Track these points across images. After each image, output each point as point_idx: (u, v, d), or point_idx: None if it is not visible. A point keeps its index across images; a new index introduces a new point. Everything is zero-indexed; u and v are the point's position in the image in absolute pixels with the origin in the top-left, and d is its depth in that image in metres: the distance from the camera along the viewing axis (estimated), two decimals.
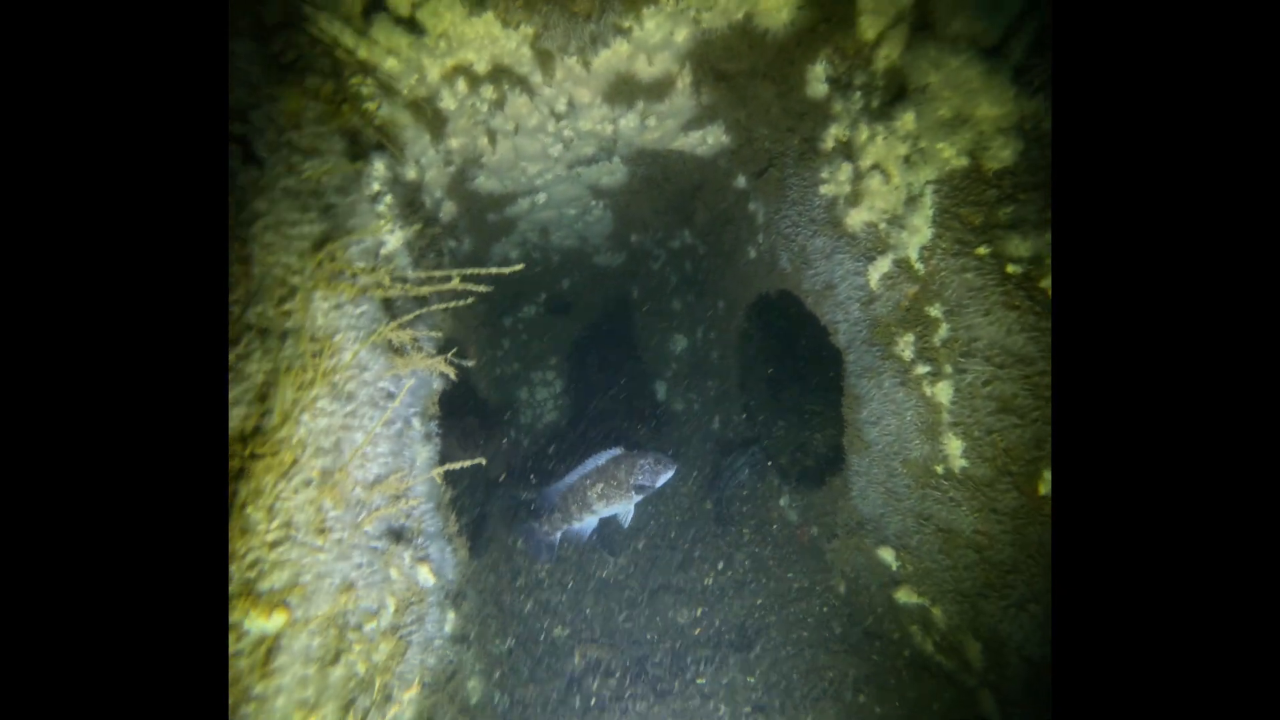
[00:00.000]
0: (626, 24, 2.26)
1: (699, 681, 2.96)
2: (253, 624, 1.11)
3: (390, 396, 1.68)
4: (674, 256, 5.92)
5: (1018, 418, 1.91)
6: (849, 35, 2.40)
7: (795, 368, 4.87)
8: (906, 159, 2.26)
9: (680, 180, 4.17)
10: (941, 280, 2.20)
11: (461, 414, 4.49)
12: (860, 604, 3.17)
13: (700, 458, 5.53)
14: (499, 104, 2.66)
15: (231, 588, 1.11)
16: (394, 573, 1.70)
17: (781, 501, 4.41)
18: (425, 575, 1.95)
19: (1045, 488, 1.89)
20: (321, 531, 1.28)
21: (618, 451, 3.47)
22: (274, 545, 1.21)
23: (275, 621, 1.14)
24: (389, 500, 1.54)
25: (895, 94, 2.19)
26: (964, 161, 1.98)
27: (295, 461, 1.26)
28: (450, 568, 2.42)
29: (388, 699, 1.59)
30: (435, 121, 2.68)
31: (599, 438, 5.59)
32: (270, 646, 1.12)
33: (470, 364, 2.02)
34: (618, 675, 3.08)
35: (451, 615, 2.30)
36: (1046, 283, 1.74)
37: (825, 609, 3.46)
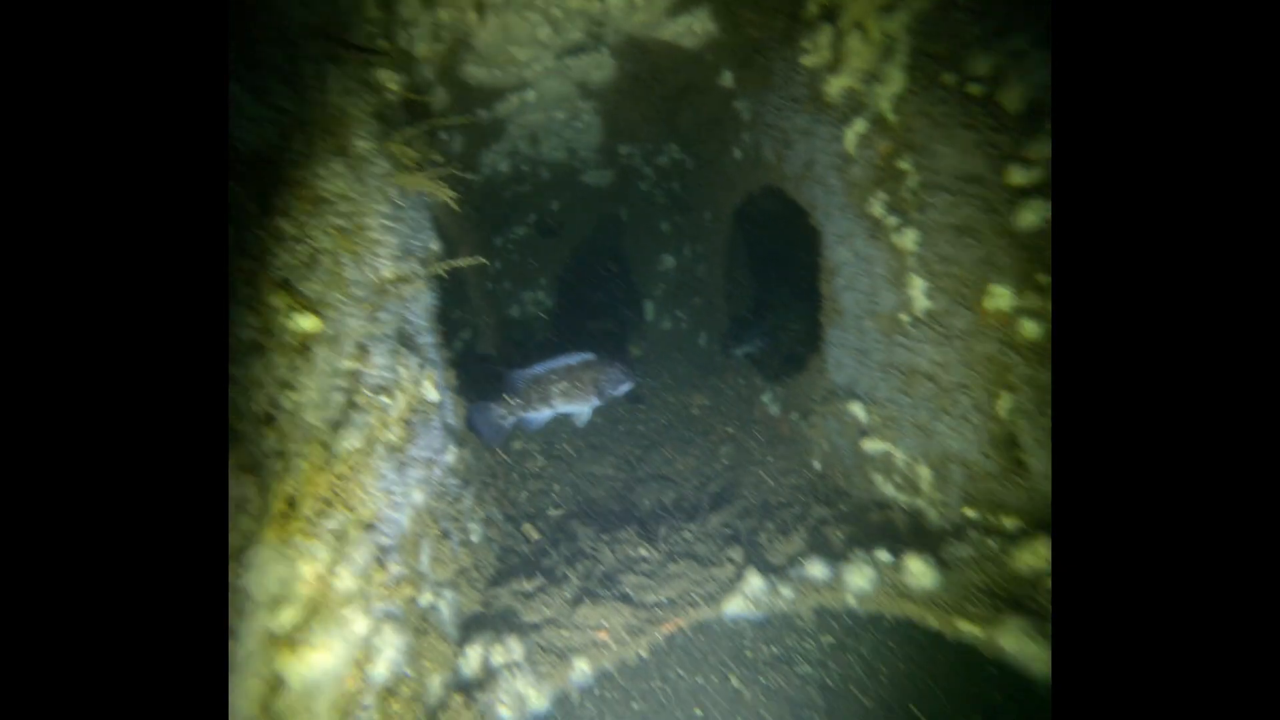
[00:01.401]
0: None
1: (684, 534, 3.23)
2: (289, 316, 1.27)
3: (398, 207, 1.81)
4: (662, 175, 5.99)
5: (972, 238, 2.09)
6: None
7: (779, 267, 5.04)
8: (885, 7, 2.36)
9: (668, 80, 4.21)
10: (911, 125, 2.34)
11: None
12: (835, 470, 3.43)
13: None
14: None
15: (273, 279, 1.26)
16: (402, 371, 1.87)
17: (764, 398, 4.65)
18: (429, 388, 2.12)
19: (991, 303, 2.09)
20: (340, 282, 1.43)
21: (590, 356, 3.58)
22: (306, 264, 1.36)
23: (311, 322, 1.30)
24: (399, 286, 1.69)
25: None
26: None
27: (319, 200, 1.39)
28: (450, 411, 2.61)
29: (403, 465, 1.78)
30: None
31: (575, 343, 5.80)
32: (306, 342, 1.28)
33: (474, 177, 2.14)
34: (608, 532, 3.34)
35: (454, 448, 2.49)
36: (1004, 98, 1.89)
37: (802, 481, 3.73)
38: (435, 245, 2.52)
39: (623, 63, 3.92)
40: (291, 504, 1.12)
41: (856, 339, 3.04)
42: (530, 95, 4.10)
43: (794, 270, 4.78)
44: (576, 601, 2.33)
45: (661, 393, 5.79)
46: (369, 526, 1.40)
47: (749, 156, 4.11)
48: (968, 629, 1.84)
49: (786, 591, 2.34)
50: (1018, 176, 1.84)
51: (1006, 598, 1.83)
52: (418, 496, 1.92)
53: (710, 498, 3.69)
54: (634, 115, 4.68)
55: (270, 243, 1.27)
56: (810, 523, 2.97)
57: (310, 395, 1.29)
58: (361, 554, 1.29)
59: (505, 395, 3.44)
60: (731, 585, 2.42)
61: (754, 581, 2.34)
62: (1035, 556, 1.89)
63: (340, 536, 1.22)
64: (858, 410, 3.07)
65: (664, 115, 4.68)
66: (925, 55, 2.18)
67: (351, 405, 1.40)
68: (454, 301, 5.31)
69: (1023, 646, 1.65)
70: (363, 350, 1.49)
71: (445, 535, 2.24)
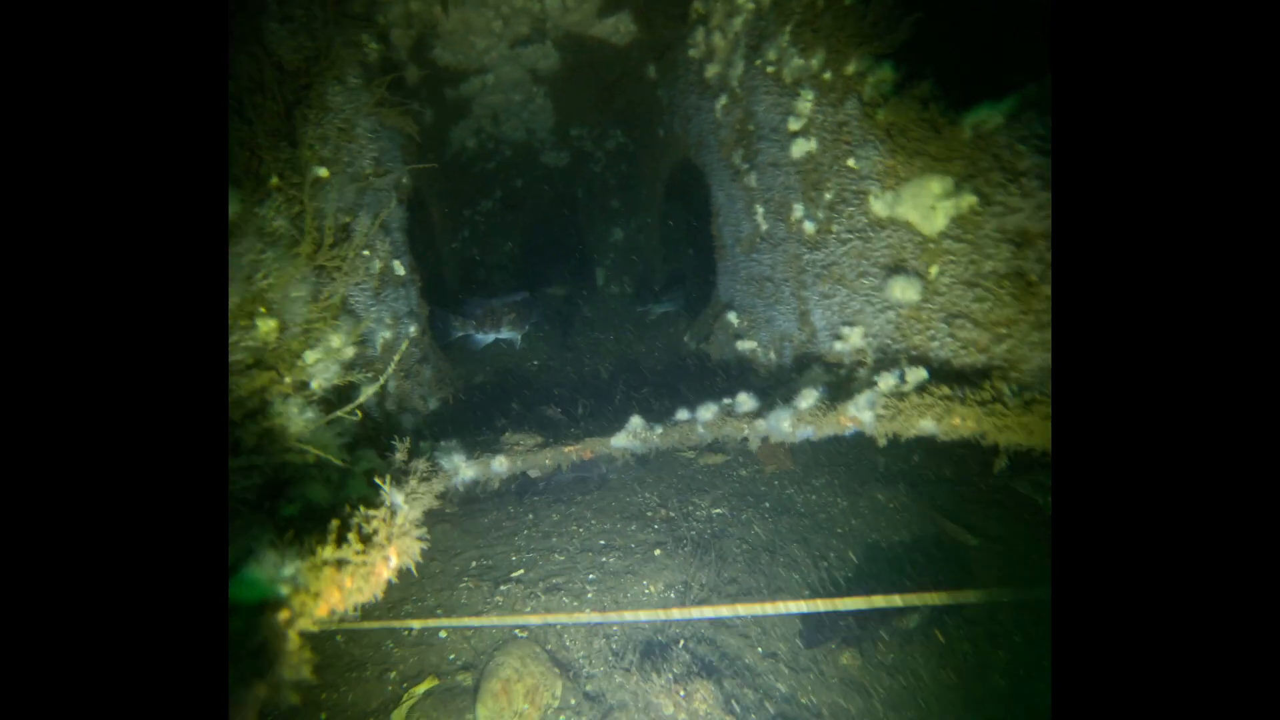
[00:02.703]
0: None
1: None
2: (314, 164, 2.10)
3: (378, 131, 2.68)
4: (612, 158, 6.92)
5: (778, 170, 3.04)
6: None
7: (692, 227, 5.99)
8: (729, 14, 3.32)
9: (604, 72, 5.13)
10: (747, 97, 3.30)
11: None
12: (729, 371, 4.35)
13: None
14: None
15: (305, 141, 2.09)
16: (378, 244, 2.73)
17: (685, 338, 5.58)
18: (398, 266, 2.98)
19: (792, 215, 3.03)
20: (341, 159, 2.26)
21: (527, 295, 4.74)
22: (321, 140, 2.19)
23: (325, 171, 2.14)
24: (376, 180, 2.55)
25: None
26: (753, 3, 3.06)
27: (327, 107, 2.22)
28: (415, 298, 3.45)
29: (378, 300, 2.63)
30: None
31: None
32: (321, 182, 2.12)
33: (445, 151, 3.01)
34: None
35: (416, 326, 3.34)
36: (783, 75, 2.83)
37: (703, 382, 4.64)
38: (405, 178, 3.39)
39: (564, 54, 4.84)
40: (317, 247, 1.94)
41: (731, 263, 3.98)
42: (490, 78, 4.99)
43: (702, 221, 5.75)
44: (502, 432, 3.19)
45: (606, 344, 6.72)
46: (353, 313, 2.23)
47: (668, 134, 5.06)
48: (760, 424, 2.76)
49: (659, 428, 3.23)
50: (793, 125, 2.79)
51: (783, 400, 2.75)
52: (387, 333, 2.77)
53: (624, 397, 4.59)
54: (580, 101, 5.60)
55: (302, 121, 2.10)
56: (691, 399, 3.87)
57: (324, 207, 2.12)
58: (348, 322, 2.12)
59: (462, 316, 4.52)
60: (620, 426, 3.30)
61: (635, 420, 3.22)
62: (806, 385, 2.83)
63: (335, 296, 2.05)
64: (733, 318, 4.00)
65: (604, 101, 5.61)
66: (750, 48, 3.14)
67: (345, 235, 2.24)
68: (426, 255, 6.15)
69: (780, 420, 2.57)
70: (352, 212, 2.33)
71: (407, 377, 3.09)
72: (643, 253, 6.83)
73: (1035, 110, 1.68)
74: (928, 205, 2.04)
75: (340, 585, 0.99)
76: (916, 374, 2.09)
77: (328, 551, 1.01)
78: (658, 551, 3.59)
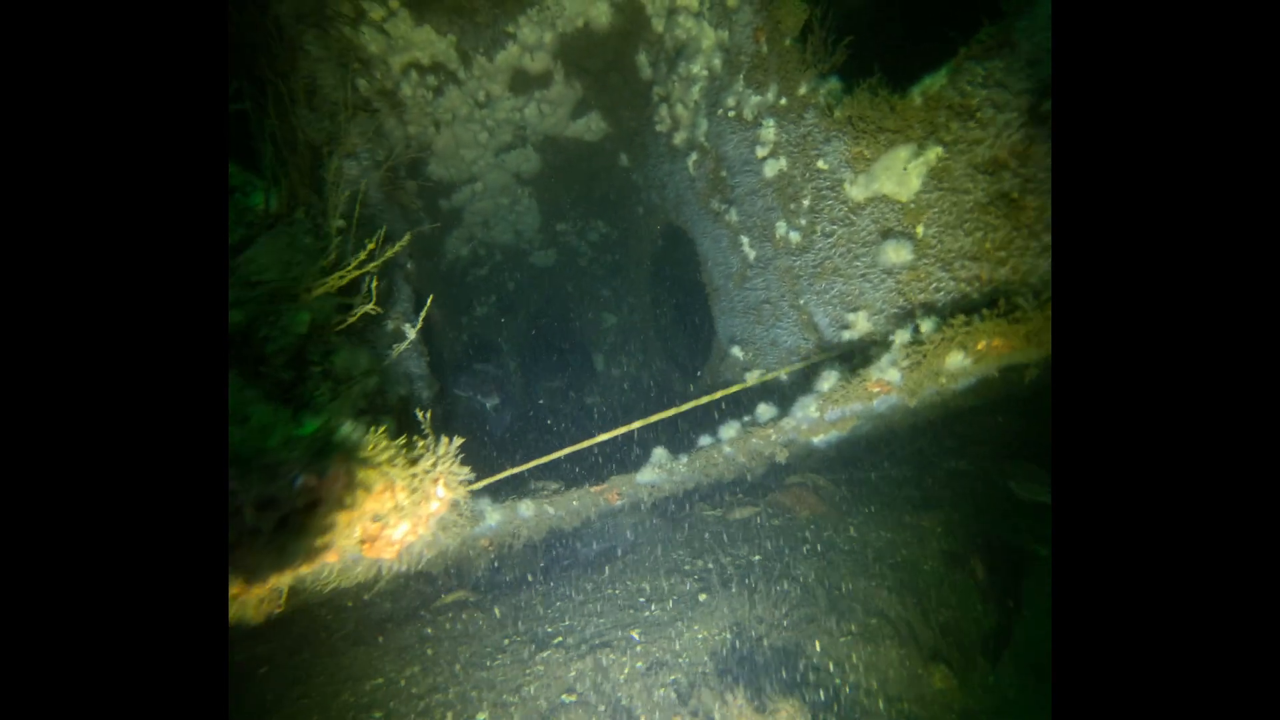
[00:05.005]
0: (511, 29, 3.83)
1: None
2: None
3: (380, 202, 2.92)
4: (597, 250, 7.41)
5: (759, 198, 3.30)
6: (649, 29, 4.05)
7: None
8: (686, 84, 3.81)
9: (582, 167, 5.71)
10: (717, 147, 3.67)
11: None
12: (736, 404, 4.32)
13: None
14: (439, 90, 4.14)
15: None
16: (393, 316, 2.85)
17: (689, 388, 5.57)
18: (409, 329, 3.09)
19: (778, 233, 3.24)
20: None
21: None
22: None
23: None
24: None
25: (683, 51, 3.79)
26: (706, 70, 3.53)
27: (342, 176, 2.45)
28: (424, 366, 3.50)
29: (391, 343, 2.68)
30: (397, 108, 4.12)
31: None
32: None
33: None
34: None
35: (427, 391, 3.36)
36: (743, 115, 3.19)
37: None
38: (410, 263, 3.61)
39: (544, 155, 5.40)
40: (338, 264, 2.03)
41: (726, 301, 4.13)
42: (479, 186, 5.51)
43: (692, 279, 6.01)
44: (530, 478, 3.08)
45: (610, 417, 6.69)
46: (374, 348, 2.28)
47: (647, 208, 5.50)
48: (787, 422, 2.72)
49: (684, 457, 3.14)
50: (761, 151, 3.10)
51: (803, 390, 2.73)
52: (401, 389, 2.79)
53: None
54: (562, 197, 6.14)
55: (323, 181, 2.32)
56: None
57: (346, 250, 2.25)
58: (370, 352, 2.16)
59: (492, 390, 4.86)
60: (642, 460, 3.20)
61: (658, 451, 3.14)
62: (825, 368, 2.84)
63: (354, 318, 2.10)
64: (738, 352, 4.07)
65: (584, 194, 6.15)
66: (710, 105, 3.57)
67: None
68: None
69: (805, 408, 2.54)
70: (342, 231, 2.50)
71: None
72: (640, 332, 7.05)
73: (972, 60, 1.93)
74: (900, 172, 2.23)
75: (391, 485, 0.92)
76: (928, 323, 2.12)
77: (385, 439, 0.96)
78: (702, 596, 3.29)
